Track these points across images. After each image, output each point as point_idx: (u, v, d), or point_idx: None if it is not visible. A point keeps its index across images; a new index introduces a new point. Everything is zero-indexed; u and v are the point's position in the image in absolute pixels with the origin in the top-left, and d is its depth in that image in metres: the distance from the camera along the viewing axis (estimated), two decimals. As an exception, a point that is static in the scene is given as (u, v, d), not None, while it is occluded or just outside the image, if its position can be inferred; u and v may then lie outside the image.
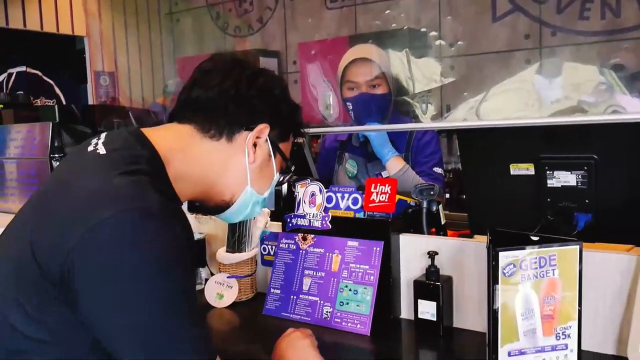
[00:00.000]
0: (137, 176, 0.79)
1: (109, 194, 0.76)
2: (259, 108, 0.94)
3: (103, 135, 0.91)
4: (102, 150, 0.85)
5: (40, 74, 4.02)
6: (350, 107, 1.90)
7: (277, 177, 1.02)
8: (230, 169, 0.93)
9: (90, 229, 0.72)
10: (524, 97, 1.44)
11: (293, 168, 1.06)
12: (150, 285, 0.73)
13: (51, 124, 2.03)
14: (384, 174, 1.90)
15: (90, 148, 0.87)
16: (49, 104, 4.11)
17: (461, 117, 1.48)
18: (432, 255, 1.26)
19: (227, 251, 1.55)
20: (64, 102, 4.22)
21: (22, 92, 3.58)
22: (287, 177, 1.15)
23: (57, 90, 4.15)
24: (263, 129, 0.94)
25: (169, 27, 4.56)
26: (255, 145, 0.94)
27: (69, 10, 3.97)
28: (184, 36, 4.56)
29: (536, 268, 1.00)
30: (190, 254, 0.85)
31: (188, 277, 0.81)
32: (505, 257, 0.99)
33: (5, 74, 3.79)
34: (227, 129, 0.92)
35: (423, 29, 3.84)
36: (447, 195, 2.05)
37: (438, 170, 1.88)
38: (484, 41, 3.72)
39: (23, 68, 3.94)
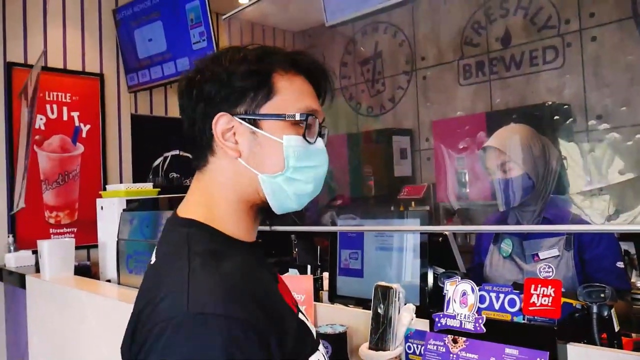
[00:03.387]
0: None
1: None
2: (210, 103, 0.83)
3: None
4: (153, 260, 0.86)
5: (191, 157, 4.41)
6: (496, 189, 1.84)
7: (286, 140, 0.83)
8: (233, 176, 0.84)
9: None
10: None
11: (303, 115, 0.84)
12: None
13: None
14: (542, 255, 1.76)
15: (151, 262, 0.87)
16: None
17: (631, 215, 1.32)
18: (609, 372, 1.10)
19: (370, 348, 1.49)
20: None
21: (175, 175, 3.94)
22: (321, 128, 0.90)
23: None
24: (218, 120, 0.82)
25: (305, 109, 4.80)
26: (233, 134, 0.83)
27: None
28: (319, 118, 4.77)
29: None
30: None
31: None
32: None
33: (161, 158, 4.20)
34: (206, 148, 0.85)
35: (566, 105, 3.64)
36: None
37: (621, 265, 1.69)
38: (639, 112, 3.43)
39: (177, 152, 4.35)
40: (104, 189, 3.29)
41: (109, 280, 2.74)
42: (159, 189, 2.93)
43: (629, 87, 3.51)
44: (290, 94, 0.85)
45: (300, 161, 0.84)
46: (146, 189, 2.93)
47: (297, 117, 0.84)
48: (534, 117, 2.95)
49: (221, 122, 0.83)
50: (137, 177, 3.86)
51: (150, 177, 3.91)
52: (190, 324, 0.69)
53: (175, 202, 2.69)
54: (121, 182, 3.77)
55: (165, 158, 4.23)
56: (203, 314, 0.69)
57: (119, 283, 2.51)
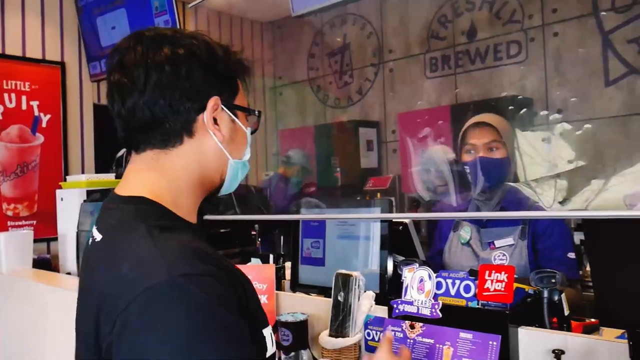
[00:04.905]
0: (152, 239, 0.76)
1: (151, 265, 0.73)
2: (200, 86, 0.85)
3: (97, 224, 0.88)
4: (98, 237, 0.83)
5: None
6: (468, 171, 1.85)
7: (249, 133, 0.94)
8: (207, 158, 0.87)
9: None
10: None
11: (258, 112, 0.95)
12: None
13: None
14: (497, 243, 1.80)
15: (95, 235, 0.85)
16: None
17: (582, 202, 1.36)
18: (558, 354, 1.13)
19: (330, 335, 1.50)
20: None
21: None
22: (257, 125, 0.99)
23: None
24: (215, 104, 0.86)
25: (273, 100, 4.78)
26: (215, 121, 0.87)
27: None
28: (287, 109, 4.76)
29: (693, 384, 0.85)
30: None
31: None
32: (653, 370, 0.85)
33: (125, 149, 4.13)
34: (184, 129, 0.85)
35: (529, 96, 3.72)
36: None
37: (572, 255, 1.73)
38: (598, 106, 3.53)
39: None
40: (65, 180, 3.21)
41: (69, 273, 2.68)
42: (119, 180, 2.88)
43: (588, 82, 3.61)
44: (243, 91, 0.94)
45: (250, 152, 0.95)
46: (108, 179, 2.87)
47: (256, 113, 0.95)
48: (498, 109, 3.00)
49: (212, 107, 0.86)
50: (100, 168, 3.78)
51: (114, 167, 3.84)
52: (175, 288, 0.69)
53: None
54: (83, 173, 3.69)
55: (129, 149, 4.16)
56: (185, 275, 0.70)
57: (79, 275, 2.46)
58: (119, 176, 3.05)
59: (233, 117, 0.90)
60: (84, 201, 2.58)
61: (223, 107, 0.88)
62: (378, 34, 4.62)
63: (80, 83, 3.82)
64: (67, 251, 2.70)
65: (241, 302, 0.76)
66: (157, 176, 0.85)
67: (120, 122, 0.86)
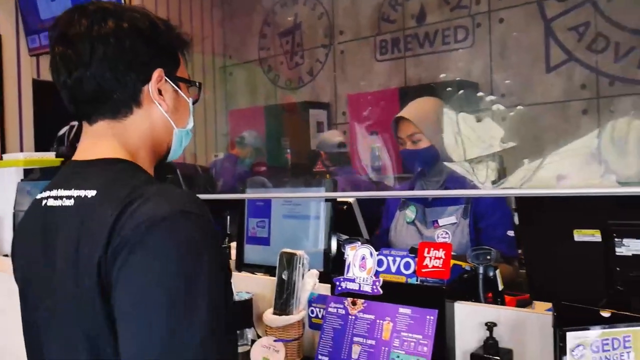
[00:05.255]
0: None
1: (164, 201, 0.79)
2: (144, 59, 0.89)
3: (50, 193, 0.88)
4: (90, 193, 0.83)
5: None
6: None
7: (191, 102, 1.00)
8: (155, 127, 0.93)
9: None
10: (588, 162, 1.37)
11: (198, 83, 1.02)
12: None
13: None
14: (441, 222, 1.86)
15: (57, 203, 0.85)
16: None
17: (518, 181, 1.42)
18: (490, 326, 1.18)
19: (274, 313, 1.51)
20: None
21: (82, 144, 3.74)
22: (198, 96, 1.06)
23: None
24: (159, 76, 0.91)
25: (223, 80, 4.71)
26: (160, 92, 0.92)
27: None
28: (237, 89, 4.70)
29: (609, 350, 0.91)
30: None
31: None
32: (573, 338, 0.91)
33: (67, 127, 3.97)
34: (132, 100, 0.89)
35: (474, 81, 3.81)
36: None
37: (511, 234, 1.81)
38: (539, 92, 3.65)
39: (85, 121, 4.13)
40: (1, 159, 3.07)
41: (6, 255, 2.58)
42: (63, 159, 2.78)
43: (531, 68, 3.73)
44: (183, 64, 0.98)
45: (192, 120, 1.00)
46: (48, 158, 2.76)
47: (197, 84, 1.00)
48: (444, 93, 3.06)
49: (157, 78, 0.90)
50: (41, 146, 3.63)
51: (55, 146, 3.70)
52: (175, 219, 0.77)
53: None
54: (22, 151, 3.54)
55: (72, 127, 4.01)
56: (185, 211, 0.78)
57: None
58: (60, 155, 2.94)
59: (176, 87, 0.95)
60: (21, 180, 2.48)
61: (166, 79, 0.92)
62: (329, 14, 4.61)
63: (18, 57, 3.64)
64: (4, 231, 2.59)
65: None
66: (116, 143, 0.90)
67: (67, 92, 0.89)
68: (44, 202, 0.88)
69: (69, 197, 0.85)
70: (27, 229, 0.93)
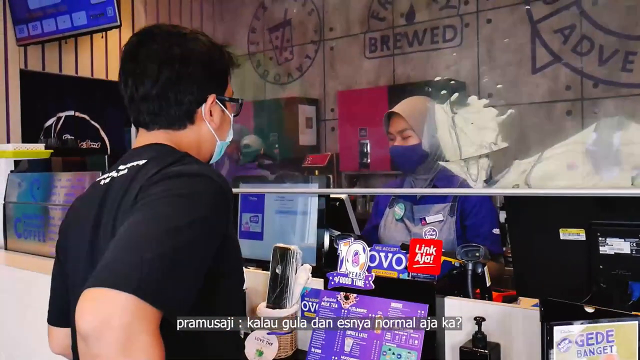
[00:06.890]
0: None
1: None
2: (201, 84, 1.03)
3: (109, 174, 1.00)
4: (142, 162, 0.96)
5: (87, 118, 4.18)
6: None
7: (232, 117, 1.12)
8: (202, 140, 1.07)
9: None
10: (574, 163, 1.42)
11: (241, 100, 1.13)
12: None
13: (100, 173, 2.08)
14: (428, 219, 1.89)
15: (115, 175, 0.98)
16: (94, 147, 4.26)
17: (510, 181, 1.46)
18: (479, 321, 1.23)
19: (267, 306, 1.54)
20: (109, 146, 4.36)
21: (69, 136, 3.72)
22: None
23: (103, 134, 4.30)
24: (212, 101, 1.04)
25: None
26: (210, 112, 1.05)
27: (118, 58, 4.15)
28: (226, 83, 4.69)
29: (593, 344, 0.96)
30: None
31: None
32: (559, 332, 0.95)
33: (54, 118, 3.95)
34: (186, 117, 1.03)
35: (462, 80, 3.86)
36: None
37: (497, 231, 1.85)
38: (524, 92, 3.72)
39: (72, 112, 4.10)
40: (-11, 149, 3.05)
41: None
42: (52, 151, 2.77)
43: (517, 68, 3.79)
44: (229, 81, 1.11)
45: (232, 133, 1.14)
46: (37, 149, 2.75)
47: (240, 101, 1.12)
48: (432, 91, 3.11)
49: (210, 103, 1.04)
50: (27, 138, 3.60)
51: (42, 137, 3.67)
52: (192, 175, 0.90)
53: (70, 164, 2.57)
54: (8, 142, 3.51)
55: (59, 118, 3.98)
56: (203, 174, 0.91)
57: (5, 248, 2.37)
58: (49, 147, 2.92)
59: (224, 108, 1.08)
60: (11, 172, 2.47)
61: (217, 101, 1.06)
62: (319, 11, 4.63)
63: (6, 47, 3.61)
64: (-6, 223, 2.58)
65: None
66: (169, 142, 1.03)
67: (132, 104, 1.03)
68: (102, 182, 0.99)
69: (125, 169, 0.98)
70: (83, 203, 1.04)
